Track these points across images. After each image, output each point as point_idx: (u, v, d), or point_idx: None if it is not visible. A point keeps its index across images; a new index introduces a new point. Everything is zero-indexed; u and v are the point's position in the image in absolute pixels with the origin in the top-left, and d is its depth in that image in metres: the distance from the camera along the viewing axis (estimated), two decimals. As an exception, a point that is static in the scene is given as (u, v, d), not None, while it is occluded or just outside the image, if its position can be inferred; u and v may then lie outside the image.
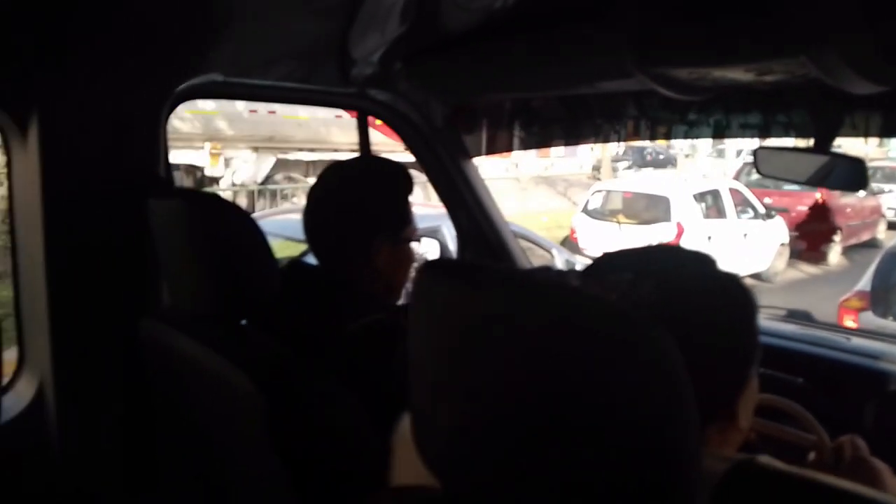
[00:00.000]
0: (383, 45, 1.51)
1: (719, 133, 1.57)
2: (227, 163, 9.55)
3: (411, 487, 0.60)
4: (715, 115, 1.54)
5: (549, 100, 1.86)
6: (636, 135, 1.77)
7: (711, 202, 8.25)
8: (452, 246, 2.08)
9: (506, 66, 1.48)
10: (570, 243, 7.94)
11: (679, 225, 7.70)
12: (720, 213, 8.24)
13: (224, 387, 0.88)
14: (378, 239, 1.16)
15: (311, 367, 0.88)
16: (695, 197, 8.07)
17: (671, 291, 0.61)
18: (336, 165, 1.26)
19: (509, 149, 1.99)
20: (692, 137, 1.64)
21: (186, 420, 1.08)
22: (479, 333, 0.46)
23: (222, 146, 9.36)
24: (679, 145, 18.14)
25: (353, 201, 1.17)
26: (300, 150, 10.20)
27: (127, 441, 1.21)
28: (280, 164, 10.06)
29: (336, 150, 10.35)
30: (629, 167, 18.32)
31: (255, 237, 0.94)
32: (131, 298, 1.16)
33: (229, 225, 0.93)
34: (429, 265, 0.52)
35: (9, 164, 1.18)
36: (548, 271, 1.98)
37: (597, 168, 17.12)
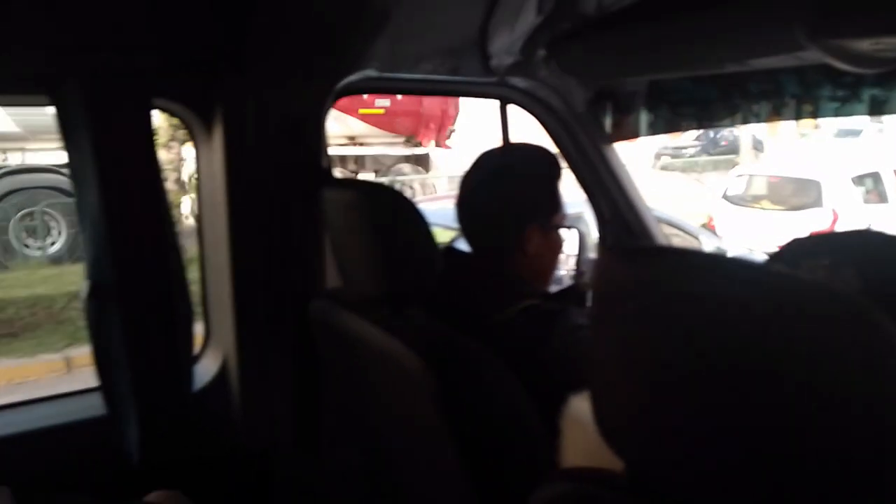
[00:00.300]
0: (524, 33, 1.52)
1: (877, 109, 1.43)
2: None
3: (592, 469, 0.61)
4: (878, 88, 1.40)
5: (688, 81, 1.78)
6: (778, 115, 1.65)
7: (872, 186, 7.44)
8: (593, 233, 2.05)
9: (655, 47, 1.43)
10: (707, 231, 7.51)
11: (834, 211, 7.03)
12: (882, 198, 7.42)
13: (392, 364, 0.94)
14: (530, 225, 1.17)
15: (477, 349, 0.91)
16: (853, 180, 7.33)
17: (874, 278, 0.57)
18: (487, 154, 1.28)
19: (647, 133, 1.93)
20: (843, 115, 1.51)
21: (351, 391, 1.16)
22: (674, 317, 0.46)
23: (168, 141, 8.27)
24: (763, 128, 15.45)
25: (506, 188, 1.19)
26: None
27: (297, 409, 1.32)
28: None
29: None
30: (695, 155, 15.70)
31: (420, 225, 0.99)
32: (303, 280, 1.27)
33: (397, 213, 0.99)
34: (613, 249, 0.53)
35: (197, 160, 1.33)
36: None
37: (658, 156, 15.51)
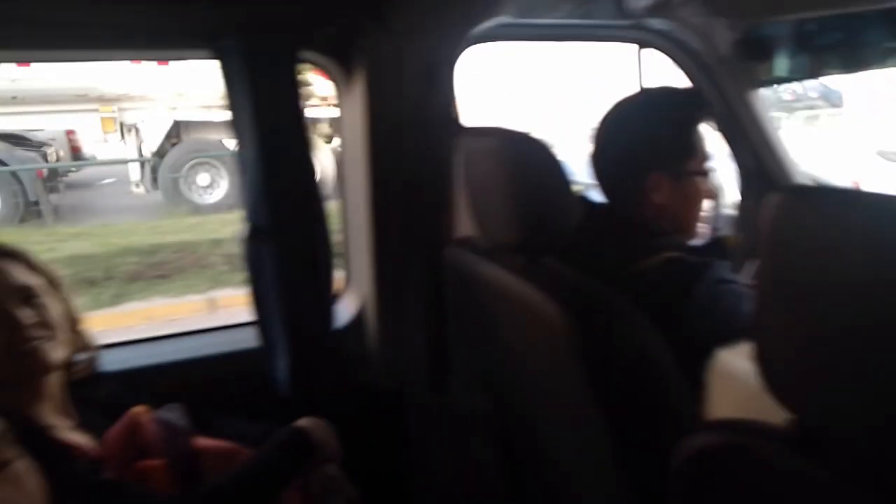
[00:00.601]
0: None
1: None
2: (126, 129, 7.47)
3: (748, 422, 0.59)
4: None
5: (838, 21, 1.61)
6: None
7: None
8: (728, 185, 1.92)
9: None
10: (851, 189, 6.80)
11: None
12: None
13: (528, 311, 0.95)
14: (655, 173, 1.12)
15: (616, 298, 0.90)
16: None
17: None
18: (621, 100, 1.24)
19: (788, 79, 1.77)
20: None
21: (483, 337, 1.19)
22: (859, 262, 0.43)
23: (118, 107, 7.27)
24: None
25: (629, 132, 1.14)
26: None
27: (429, 352, 1.38)
28: (186, 127, 7.62)
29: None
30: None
31: (559, 172, 0.98)
32: (437, 228, 1.30)
33: (536, 160, 0.98)
34: (791, 192, 0.50)
35: (340, 111, 1.38)
36: None
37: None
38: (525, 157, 0.98)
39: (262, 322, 1.32)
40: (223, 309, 5.03)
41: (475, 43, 1.42)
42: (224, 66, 1.15)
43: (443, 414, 1.42)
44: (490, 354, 1.19)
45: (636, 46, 1.73)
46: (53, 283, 1.07)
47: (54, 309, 1.03)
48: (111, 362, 1.23)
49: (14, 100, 6.74)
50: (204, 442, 1.12)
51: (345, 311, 1.45)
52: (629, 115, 1.19)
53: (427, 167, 1.30)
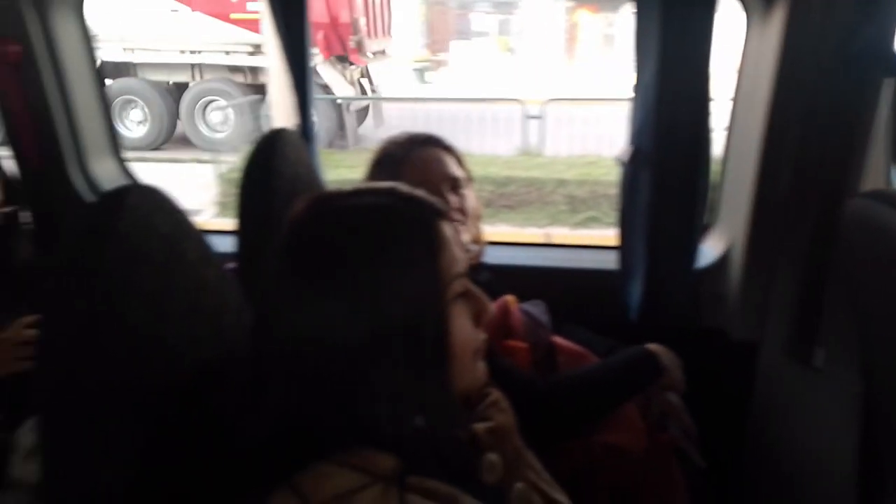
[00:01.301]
0: None
1: None
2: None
3: None
4: None
5: None
6: None
7: None
8: None
9: None
10: None
11: None
12: None
13: None
14: None
15: None
16: None
17: None
18: None
19: None
20: None
21: (883, 302, 1.02)
22: None
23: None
24: None
25: None
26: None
27: (799, 310, 1.24)
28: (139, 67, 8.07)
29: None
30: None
31: None
32: (839, 178, 1.15)
33: None
34: None
35: (746, 41, 1.29)
36: None
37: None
38: None
39: (625, 246, 1.35)
40: (555, 246, 5.28)
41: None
42: None
43: (800, 383, 1.29)
44: (891, 327, 1.02)
45: None
46: (470, 181, 1.25)
47: (469, 201, 1.22)
48: (489, 257, 1.41)
49: None
50: (559, 340, 1.22)
51: (709, 251, 1.40)
52: None
53: (842, 108, 1.14)
